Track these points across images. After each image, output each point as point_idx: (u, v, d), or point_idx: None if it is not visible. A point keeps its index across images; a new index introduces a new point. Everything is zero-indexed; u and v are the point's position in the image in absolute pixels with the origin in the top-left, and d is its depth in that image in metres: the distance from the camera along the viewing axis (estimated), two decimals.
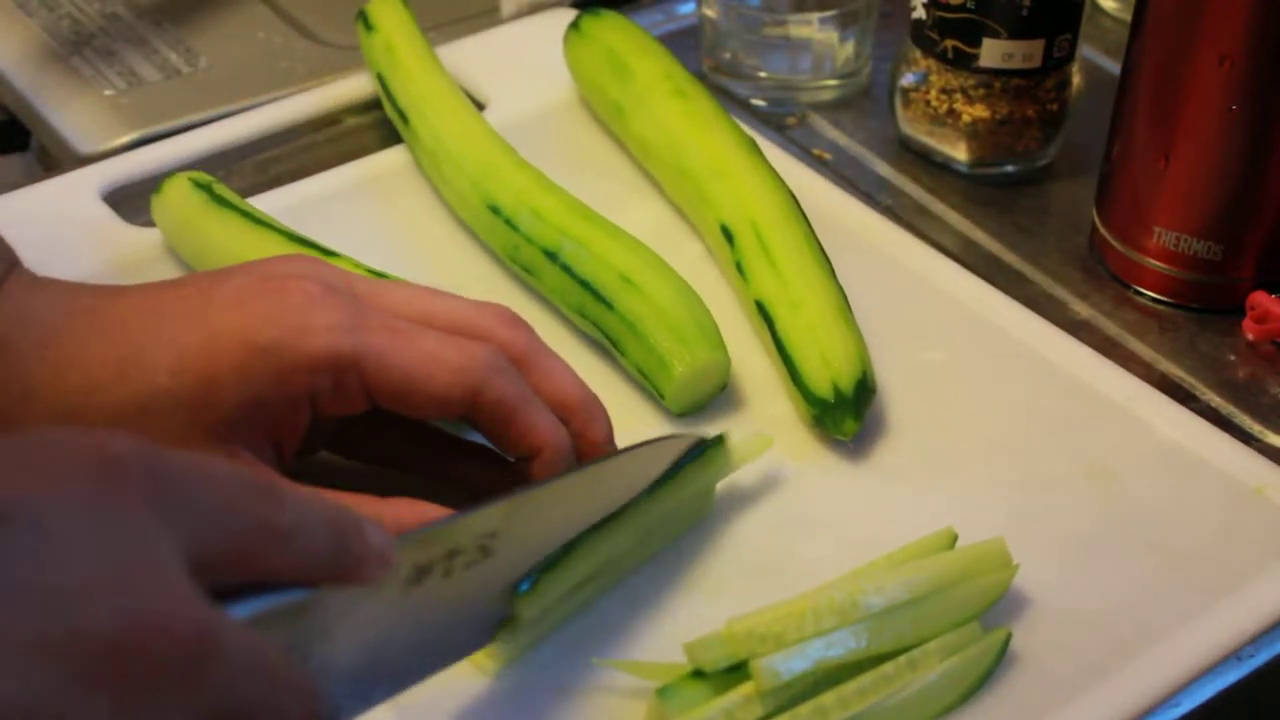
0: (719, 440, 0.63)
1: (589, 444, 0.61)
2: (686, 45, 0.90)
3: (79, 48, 0.93)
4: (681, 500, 0.62)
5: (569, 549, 0.57)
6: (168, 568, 0.40)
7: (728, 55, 0.90)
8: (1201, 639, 0.60)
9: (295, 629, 0.46)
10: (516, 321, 0.62)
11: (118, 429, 0.44)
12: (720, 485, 0.65)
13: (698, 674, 0.55)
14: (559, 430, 0.60)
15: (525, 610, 0.56)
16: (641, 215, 0.79)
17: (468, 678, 0.58)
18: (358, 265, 0.71)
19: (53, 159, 0.89)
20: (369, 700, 0.51)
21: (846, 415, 0.66)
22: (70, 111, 0.88)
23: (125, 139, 0.86)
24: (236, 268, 0.61)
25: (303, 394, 0.57)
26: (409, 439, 0.64)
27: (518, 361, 0.60)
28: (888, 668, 0.56)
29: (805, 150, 0.87)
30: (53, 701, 0.37)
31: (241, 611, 0.43)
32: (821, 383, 0.67)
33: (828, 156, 0.87)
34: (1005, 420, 0.69)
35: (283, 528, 0.43)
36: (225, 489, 0.42)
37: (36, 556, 0.38)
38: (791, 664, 0.55)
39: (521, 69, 0.89)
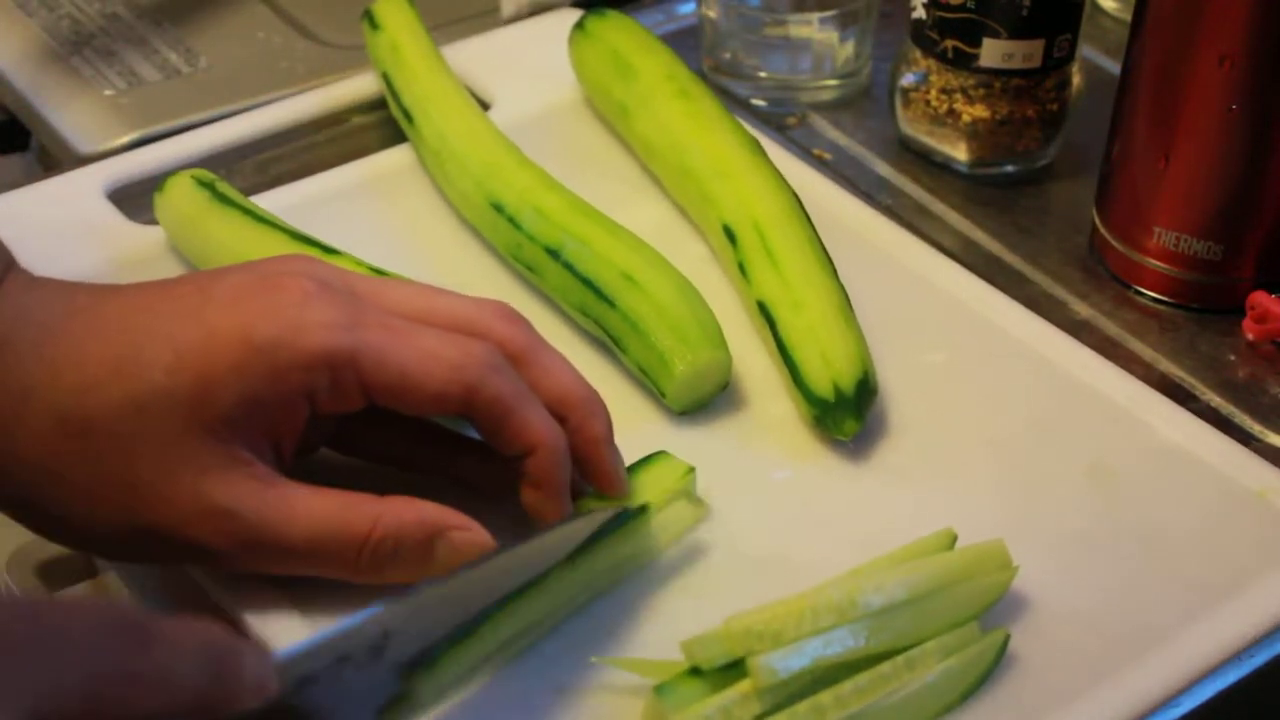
0: (641, 511, 0.61)
1: (588, 440, 0.61)
2: (686, 45, 0.90)
3: (79, 48, 0.93)
4: (597, 572, 0.60)
5: (472, 626, 0.55)
6: None
7: (728, 55, 0.90)
8: (1201, 642, 0.60)
9: None
10: (515, 317, 0.62)
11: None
12: (720, 486, 0.65)
13: (695, 672, 0.55)
14: (554, 429, 0.59)
15: (422, 687, 0.54)
16: (645, 215, 0.80)
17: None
18: (359, 263, 0.71)
19: (53, 159, 0.89)
20: None
21: (847, 415, 0.66)
22: (70, 111, 0.88)
23: (125, 139, 0.86)
24: (234, 267, 0.61)
25: (300, 391, 0.57)
26: (408, 436, 0.64)
27: (516, 357, 0.60)
28: (885, 667, 0.56)
29: (805, 150, 0.87)
30: None
31: None
32: (822, 383, 0.67)
33: (828, 156, 0.87)
34: (1006, 421, 0.69)
35: (146, 673, 0.42)
36: (80, 639, 0.41)
37: None
38: (789, 662, 0.55)
39: (526, 69, 0.89)
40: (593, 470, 0.61)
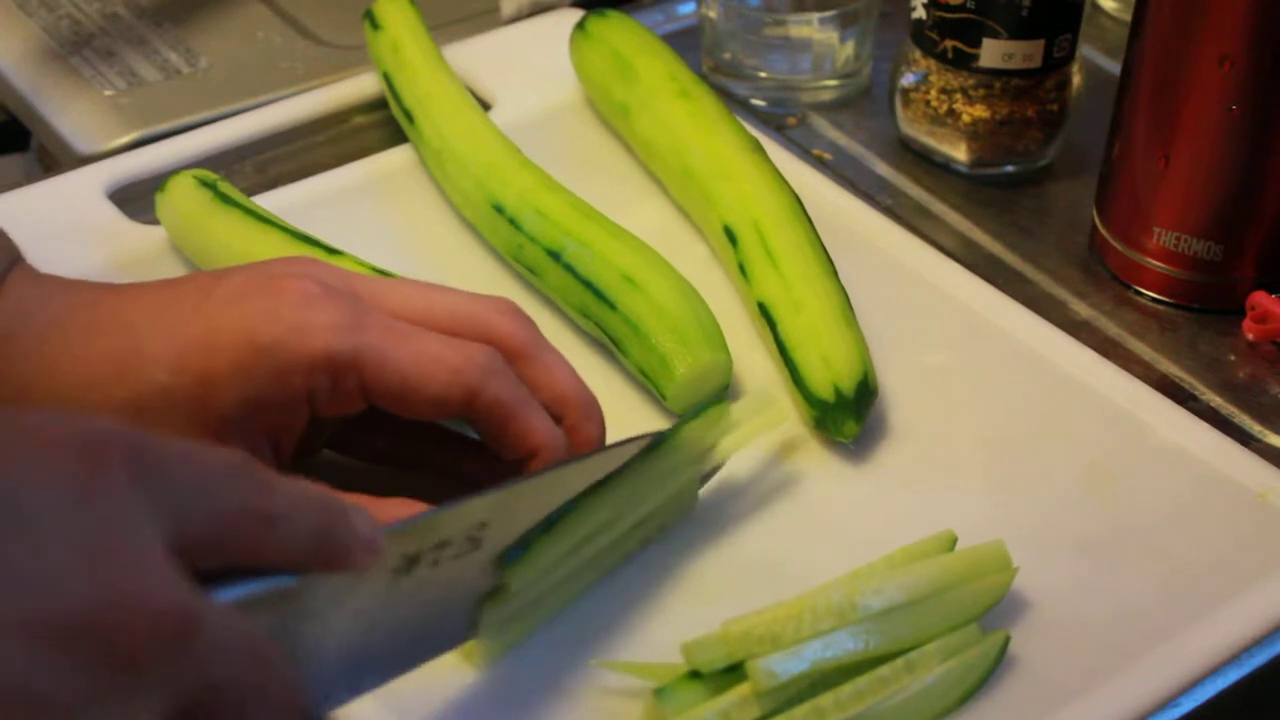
0: (719, 401, 0.63)
1: (581, 441, 0.61)
2: (686, 45, 0.90)
3: (79, 48, 0.93)
4: (677, 465, 0.62)
5: (557, 517, 0.57)
6: (149, 548, 0.40)
7: (728, 55, 0.90)
8: (1202, 643, 0.60)
9: (282, 615, 0.46)
10: (517, 314, 0.62)
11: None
12: (720, 488, 0.65)
13: (694, 675, 0.55)
14: (555, 433, 0.60)
15: (514, 580, 0.55)
16: (646, 216, 0.80)
17: (463, 676, 0.58)
18: (361, 264, 0.71)
19: (53, 159, 0.89)
20: (357, 688, 0.51)
21: (847, 417, 0.66)
22: (70, 111, 0.88)
23: (125, 139, 0.86)
24: (237, 268, 0.61)
25: (301, 393, 0.57)
26: (410, 438, 0.64)
27: (517, 354, 0.61)
28: (885, 670, 0.56)
29: (805, 150, 0.87)
30: (31, 679, 0.37)
31: (227, 596, 0.43)
32: (823, 384, 0.67)
33: (828, 156, 0.87)
34: (1007, 423, 0.69)
35: (269, 512, 0.44)
36: (212, 473, 0.43)
37: (13, 535, 0.38)
38: (788, 665, 0.55)
39: (528, 69, 0.89)
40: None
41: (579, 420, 0.61)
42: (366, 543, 0.47)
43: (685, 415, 0.62)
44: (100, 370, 0.57)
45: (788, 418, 0.66)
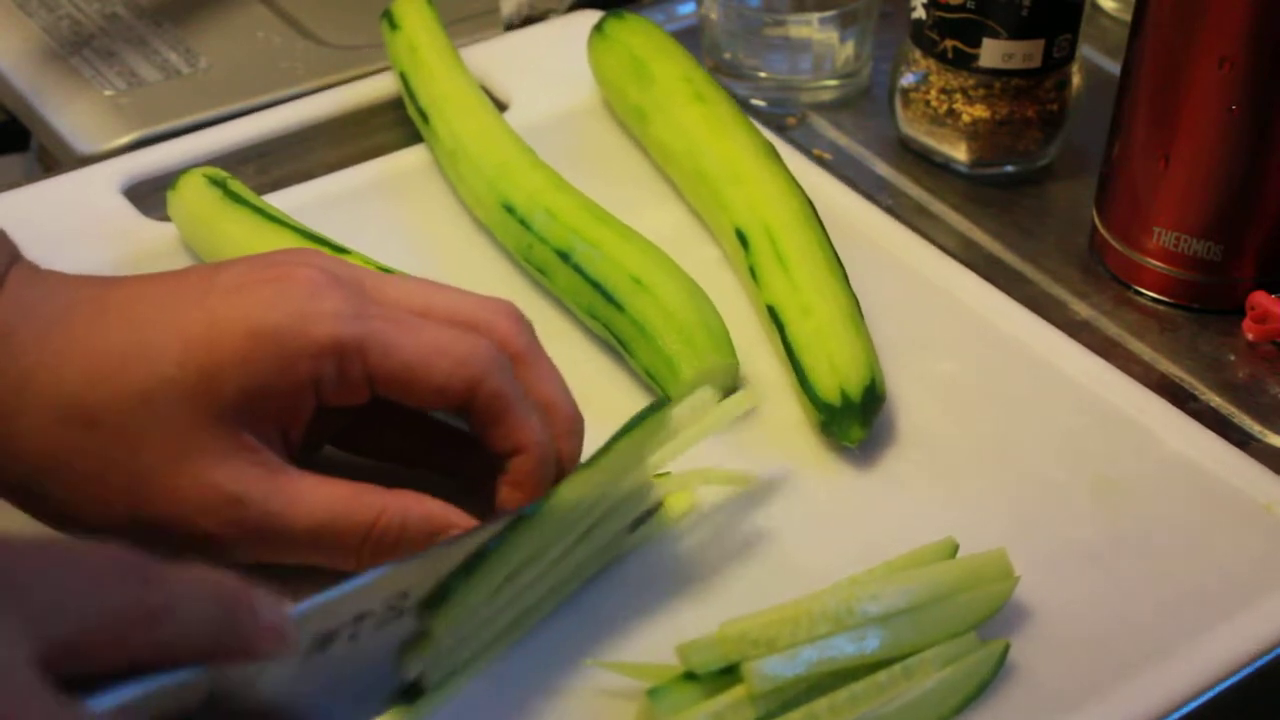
0: (655, 409, 0.60)
1: (560, 456, 0.61)
2: (686, 45, 0.90)
3: (79, 48, 0.93)
4: (607, 485, 0.59)
5: (481, 554, 0.55)
6: (8, 670, 0.39)
7: (728, 55, 0.90)
8: (1203, 655, 0.60)
9: (189, 704, 0.45)
10: (517, 317, 0.62)
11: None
12: (724, 490, 0.65)
13: (689, 676, 0.55)
14: (544, 433, 0.60)
15: (437, 626, 0.53)
16: (660, 219, 0.80)
17: (460, 677, 0.58)
18: (369, 262, 0.71)
19: (53, 159, 0.89)
20: None
21: (854, 422, 0.66)
22: (70, 111, 0.88)
23: (125, 139, 0.86)
24: (239, 259, 0.61)
25: (306, 380, 0.57)
26: (413, 434, 0.64)
27: (514, 357, 0.61)
28: (882, 675, 0.56)
29: (805, 150, 0.86)
30: None
31: (113, 699, 0.42)
32: (830, 388, 0.67)
33: (828, 156, 0.87)
34: (1014, 431, 0.69)
35: (154, 611, 0.43)
36: (86, 576, 0.42)
37: None
38: (784, 668, 0.55)
39: (544, 71, 0.90)
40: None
41: (562, 433, 0.61)
42: (273, 632, 0.46)
43: (620, 429, 0.59)
44: (105, 364, 0.57)
45: (741, 410, 0.64)
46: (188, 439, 0.56)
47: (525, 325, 0.62)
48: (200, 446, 0.56)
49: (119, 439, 0.56)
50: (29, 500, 0.59)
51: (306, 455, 0.63)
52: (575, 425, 0.62)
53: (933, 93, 0.84)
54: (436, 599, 0.53)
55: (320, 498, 0.57)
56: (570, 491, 0.58)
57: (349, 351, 0.57)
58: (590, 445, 0.61)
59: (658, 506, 0.63)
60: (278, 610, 0.46)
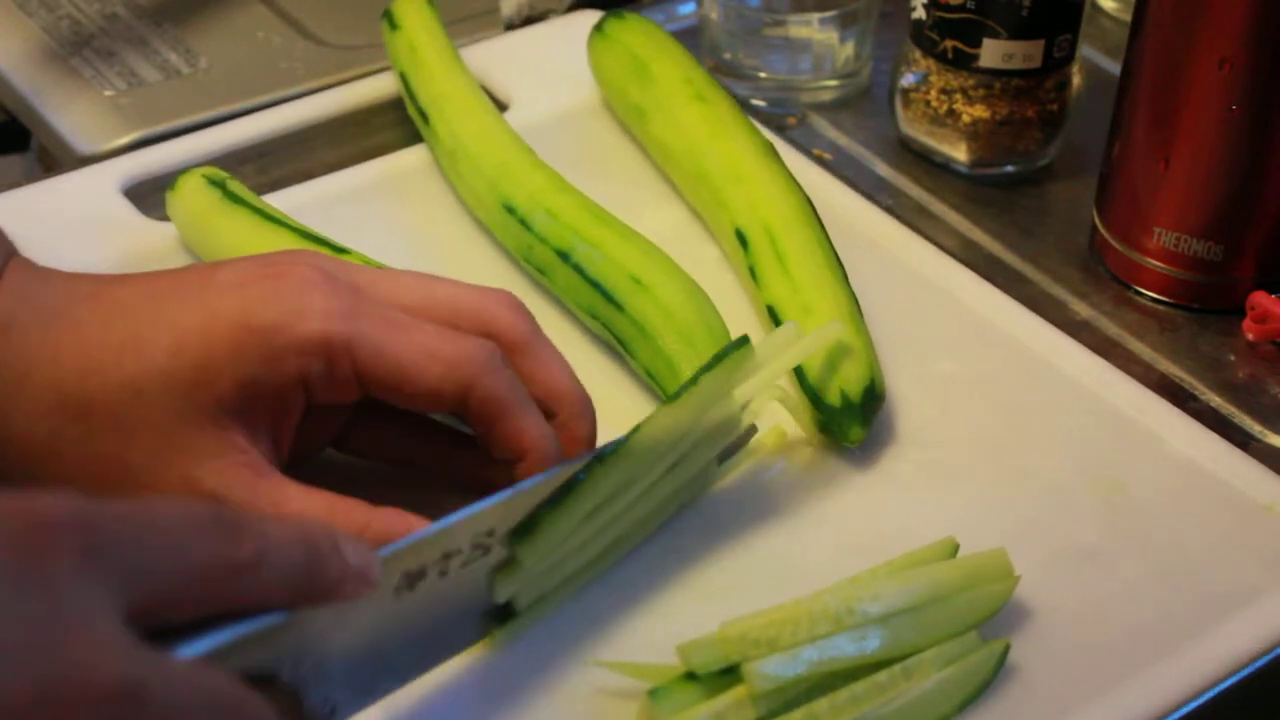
0: (742, 342, 0.62)
1: (571, 438, 0.61)
2: (687, 45, 0.90)
3: (79, 48, 0.93)
4: (693, 419, 0.60)
5: (568, 488, 0.57)
6: (93, 626, 0.40)
7: (728, 55, 0.90)
8: (1204, 657, 0.60)
9: (276, 648, 0.45)
10: (518, 307, 0.62)
11: (66, 486, 0.44)
12: (724, 490, 0.65)
13: (690, 676, 0.55)
14: (546, 436, 0.60)
15: (526, 556, 0.55)
16: (660, 219, 0.80)
17: (457, 674, 0.58)
18: (369, 261, 0.71)
19: (53, 159, 0.89)
20: (371, 695, 0.51)
21: (853, 422, 0.66)
22: (70, 111, 0.88)
23: (125, 139, 0.86)
24: (237, 258, 0.61)
25: (295, 376, 0.57)
26: (414, 436, 0.64)
27: (515, 347, 0.61)
28: (882, 675, 0.56)
29: (805, 150, 0.86)
30: None
31: (201, 646, 0.43)
32: (829, 388, 0.67)
33: (828, 156, 0.87)
34: (1014, 431, 0.69)
35: (242, 562, 0.43)
36: (173, 531, 0.43)
37: None
38: (784, 668, 0.55)
39: (545, 71, 0.90)
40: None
41: (571, 417, 0.61)
42: (360, 573, 0.47)
43: (705, 365, 0.61)
44: (100, 356, 0.57)
45: (828, 340, 0.65)
46: (176, 433, 0.57)
47: (525, 314, 0.62)
48: (188, 441, 0.57)
49: (110, 431, 0.57)
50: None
51: (307, 458, 0.63)
52: (583, 408, 0.62)
53: (933, 93, 0.84)
54: (525, 529, 0.55)
55: (302, 507, 0.57)
56: (654, 427, 0.59)
57: (337, 350, 0.57)
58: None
59: (748, 436, 0.64)
60: (364, 553, 0.47)
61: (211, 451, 0.57)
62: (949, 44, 0.82)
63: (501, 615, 0.56)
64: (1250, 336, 0.76)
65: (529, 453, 0.59)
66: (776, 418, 0.68)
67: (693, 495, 0.63)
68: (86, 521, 0.41)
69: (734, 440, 0.64)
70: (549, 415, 0.61)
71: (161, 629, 0.42)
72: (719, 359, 0.60)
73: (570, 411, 0.61)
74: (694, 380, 0.60)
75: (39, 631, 0.39)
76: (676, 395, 0.59)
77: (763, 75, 0.90)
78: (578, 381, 0.62)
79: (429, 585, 0.51)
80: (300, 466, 0.61)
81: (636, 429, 0.58)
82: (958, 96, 0.83)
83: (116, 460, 0.57)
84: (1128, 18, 0.77)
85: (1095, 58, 0.93)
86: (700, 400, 0.60)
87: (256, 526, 0.44)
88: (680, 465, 0.61)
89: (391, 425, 0.63)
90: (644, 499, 0.60)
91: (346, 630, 0.48)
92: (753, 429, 0.64)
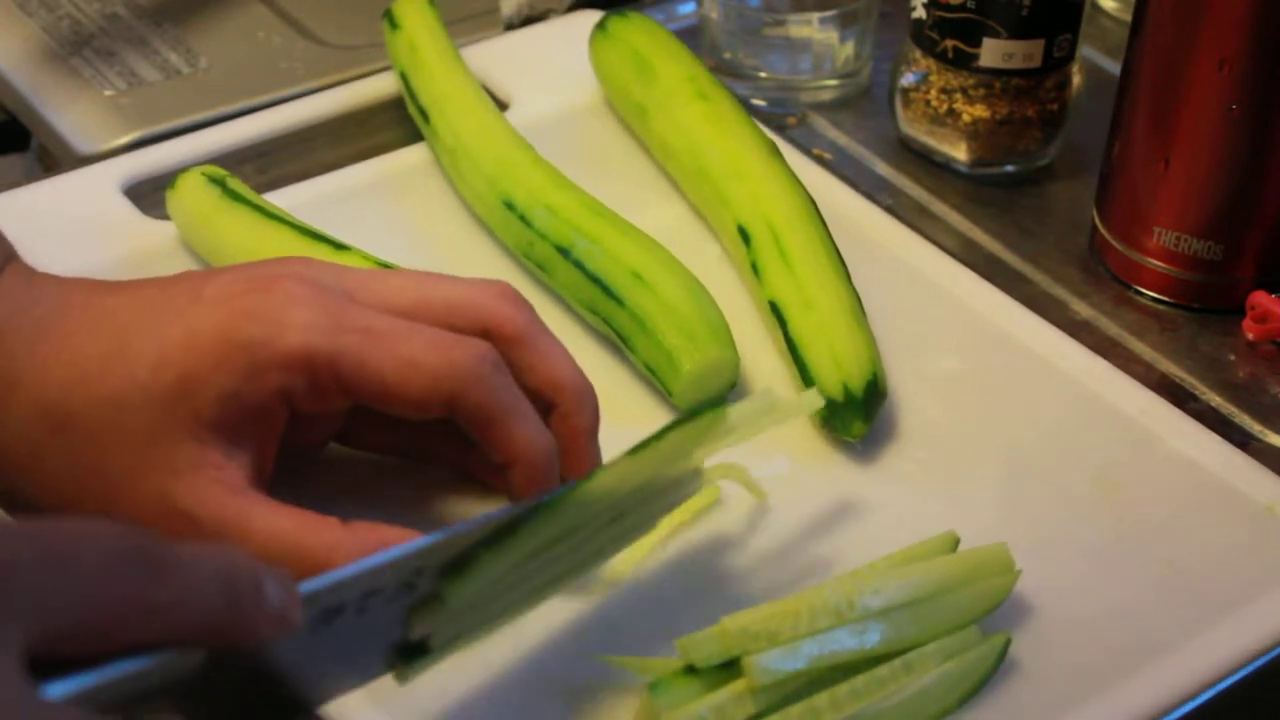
0: (714, 407, 0.58)
1: (573, 429, 0.61)
2: (687, 45, 0.90)
3: (79, 48, 0.93)
4: (652, 474, 0.58)
5: (508, 530, 0.54)
6: None
7: (728, 55, 0.90)
8: (1203, 655, 0.60)
9: (178, 679, 0.44)
10: (515, 298, 0.62)
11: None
12: (726, 484, 0.65)
13: (690, 670, 0.55)
14: (536, 443, 0.59)
15: (453, 596, 0.52)
16: (661, 216, 0.80)
17: (456, 672, 0.58)
18: (368, 259, 0.71)
19: (53, 159, 0.89)
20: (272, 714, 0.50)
21: (855, 417, 0.66)
22: (70, 111, 0.88)
23: (125, 139, 0.86)
24: (228, 268, 0.61)
25: (276, 391, 0.57)
26: (418, 430, 0.64)
27: (514, 340, 0.60)
28: (883, 670, 0.56)
29: (805, 150, 0.86)
30: None
31: (90, 679, 0.42)
32: (832, 383, 0.67)
33: (828, 156, 0.87)
34: (1015, 429, 0.69)
35: (159, 602, 0.42)
36: (85, 567, 0.41)
37: None
38: (784, 662, 0.54)
39: (547, 69, 0.90)
40: (572, 461, 0.61)
41: (572, 408, 0.61)
42: (278, 617, 0.45)
43: (674, 421, 0.58)
44: (86, 369, 0.57)
45: (807, 410, 0.63)
46: (154, 447, 0.56)
47: (523, 305, 0.62)
48: (165, 455, 0.56)
49: (89, 444, 0.57)
50: (12, 501, 0.59)
51: (311, 454, 0.63)
52: (584, 398, 0.61)
53: (933, 92, 0.84)
54: (457, 567, 0.52)
55: (271, 527, 0.56)
56: (610, 476, 0.56)
57: (320, 364, 0.57)
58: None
59: (695, 488, 0.61)
60: (286, 593, 0.46)
61: (186, 466, 0.56)
62: (949, 43, 0.82)
63: (412, 652, 0.53)
64: (1250, 336, 0.76)
65: (519, 459, 0.58)
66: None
67: (627, 545, 0.59)
68: None
69: (681, 494, 0.61)
70: (550, 406, 0.61)
71: (51, 661, 0.41)
72: (691, 417, 0.57)
73: (571, 402, 0.61)
74: (660, 435, 0.57)
75: None
76: (639, 448, 0.56)
77: (763, 75, 0.90)
78: (579, 371, 0.62)
79: (345, 622, 0.49)
80: (303, 465, 0.61)
81: (591, 476, 0.56)
82: (958, 96, 0.83)
83: (95, 473, 0.57)
84: (1128, 18, 0.77)
85: (1095, 58, 0.93)
86: (663, 456, 0.57)
87: (176, 563, 0.43)
88: (623, 517, 0.58)
89: (394, 420, 0.63)
90: (583, 547, 0.57)
91: (253, 661, 0.47)
92: (699, 474, 0.61)
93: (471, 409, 0.58)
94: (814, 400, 0.62)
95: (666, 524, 0.62)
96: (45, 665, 0.41)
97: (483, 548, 0.53)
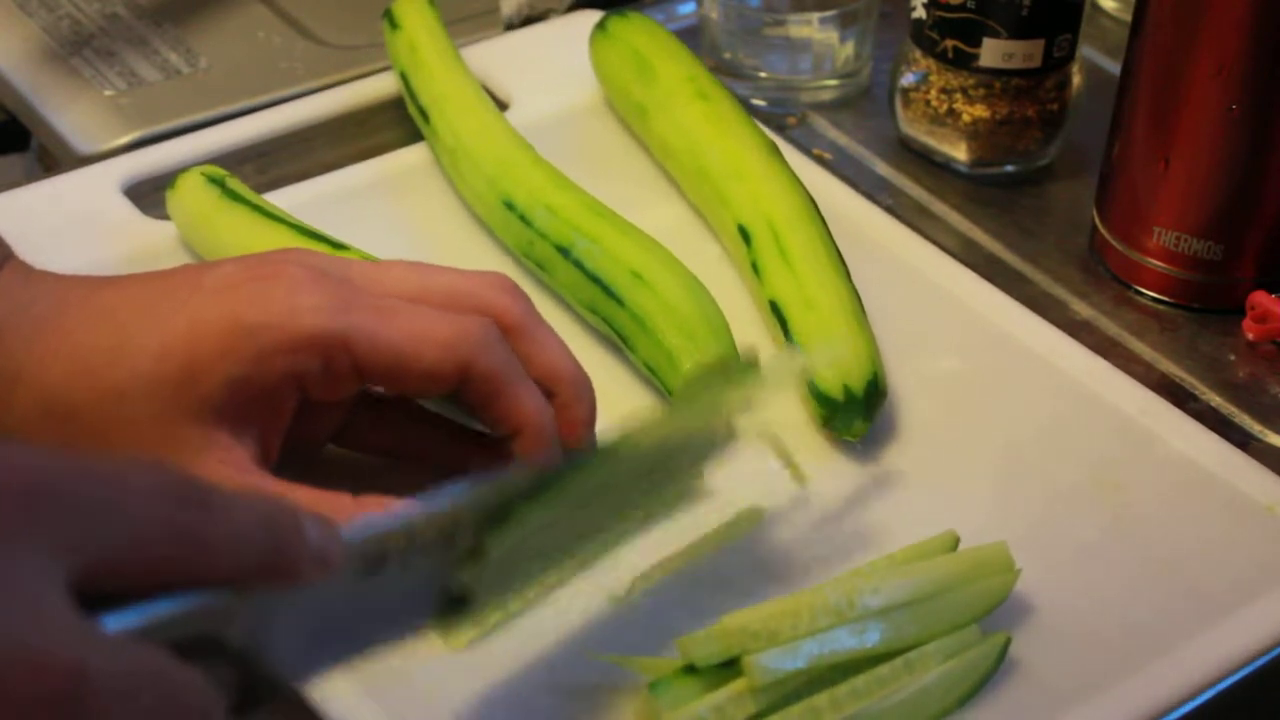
0: (750, 364, 0.60)
1: (571, 419, 0.61)
2: (687, 45, 0.90)
3: (79, 48, 0.93)
4: (681, 433, 0.59)
5: (546, 482, 0.54)
6: (41, 600, 0.39)
7: (728, 55, 0.90)
8: (1203, 654, 0.60)
9: (224, 620, 0.44)
10: (513, 289, 0.62)
11: (29, 440, 0.43)
12: (725, 483, 0.65)
13: (690, 669, 0.55)
14: (543, 411, 0.60)
15: (494, 546, 0.53)
16: (661, 216, 0.80)
17: (456, 670, 0.58)
18: (368, 258, 0.71)
19: (53, 159, 0.89)
20: (315, 670, 0.50)
21: (856, 416, 0.66)
22: (70, 111, 0.88)
23: (125, 139, 0.86)
24: (227, 259, 0.61)
25: (287, 375, 0.57)
26: (414, 431, 0.64)
27: (512, 330, 0.61)
28: (883, 669, 0.56)
29: (805, 150, 0.86)
30: None
31: (146, 614, 0.42)
32: (832, 383, 0.67)
33: (828, 156, 0.87)
34: (1016, 428, 0.69)
35: (202, 535, 0.42)
36: (134, 496, 0.41)
37: None
38: (785, 662, 0.54)
39: (547, 69, 0.90)
40: (569, 451, 0.61)
41: (570, 398, 0.61)
42: (319, 558, 0.45)
43: (703, 380, 0.59)
44: (89, 362, 0.57)
45: (809, 378, 0.65)
46: (159, 435, 0.56)
47: (521, 297, 0.62)
48: (170, 442, 0.56)
49: (95, 434, 0.57)
50: None
51: (309, 455, 0.63)
52: (582, 389, 0.62)
53: (933, 92, 0.84)
54: (496, 518, 0.53)
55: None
56: (642, 433, 0.56)
57: (333, 344, 0.57)
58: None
59: (729, 444, 0.62)
60: (327, 538, 0.45)
61: (193, 450, 0.56)
62: (949, 43, 0.82)
63: (456, 607, 0.54)
64: (1250, 336, 0.76)
65: (526, 427, 0.59)
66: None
67: (674, 512, 0.61)
68: (33, 475, 0.39)
69: (715, 451, 0.62)
70: (548, 396, 0.61)
71: (99, 595, 0.41)
72: (722, 375, 0.59)
73: (569, 392, 0.61)
74: (692, 394, 0.59)
75: None
76: (670, 407, 0.58)
77: (763, 75, 0.90)
78: (576, 362, 0.62)
79: (390, 573, 0.50)
80: (302, 464, 0.61)
81: (623, 433, 0.56)
82: (958, 96, 0.83)
83: None
84: (1128, 18, 0.77)
85: (1095, 58, 0.93)
86: (694, 415, 0.59)
87: (220, 501, 0.43)
88: (657, 482, 0.59)
89: (390, 419, 0.63)
90: (619, 509, 0.58)
91: (294, 609, 0.47)
92: (733, 433, 0.62)
93: (481, 377, 0.58)
94: (835, 350, 0.65)
95: (706, 538, 0.63)
96: (90, 602, 0.40)
97: (521, 500, 0.53)
